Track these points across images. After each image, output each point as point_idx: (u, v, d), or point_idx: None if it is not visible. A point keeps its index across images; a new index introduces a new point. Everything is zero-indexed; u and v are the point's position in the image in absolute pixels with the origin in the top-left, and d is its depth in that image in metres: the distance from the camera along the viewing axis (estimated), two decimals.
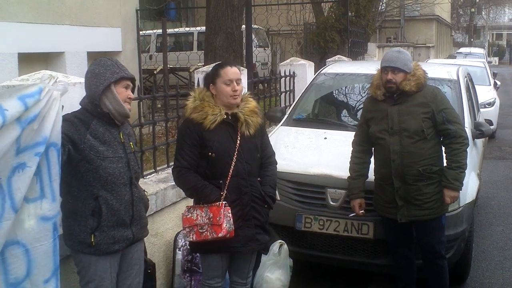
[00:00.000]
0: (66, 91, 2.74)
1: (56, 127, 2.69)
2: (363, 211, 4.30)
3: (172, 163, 3.75)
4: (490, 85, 13.03)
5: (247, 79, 7.09)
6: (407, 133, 4.01)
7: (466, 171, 4.10)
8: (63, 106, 2.77)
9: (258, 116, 3.66)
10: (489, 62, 24.56)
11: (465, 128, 5.04)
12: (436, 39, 31.50)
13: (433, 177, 4.03)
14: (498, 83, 14.38)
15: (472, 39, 48.97)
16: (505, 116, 13.94)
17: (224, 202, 3.43)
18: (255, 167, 3.63)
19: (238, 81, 3.58)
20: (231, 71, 3.56)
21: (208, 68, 5.04)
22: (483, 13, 56.56)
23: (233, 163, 3.50)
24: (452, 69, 6.35)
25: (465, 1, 48.66)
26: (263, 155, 3.71)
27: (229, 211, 3.43)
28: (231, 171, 3.49)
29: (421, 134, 4.00)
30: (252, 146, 3.60)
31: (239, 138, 3.54)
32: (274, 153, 3.86)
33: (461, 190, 4.09)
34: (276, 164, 3.86)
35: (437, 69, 6.69)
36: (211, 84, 3.57)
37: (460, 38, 49.53)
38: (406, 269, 4.35)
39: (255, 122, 3.61)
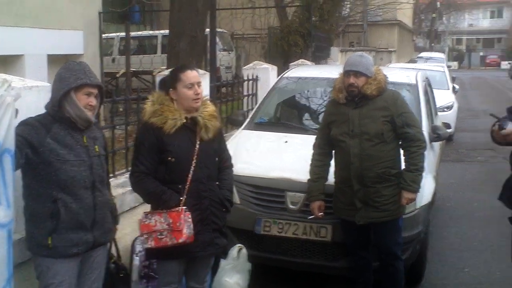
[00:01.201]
0: (19, 96, 2.72)
1: (9, 134, 2.65)
2: (322, 213, 4.35)
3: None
4: (449, 89, 13.30)
5: (210, 83, 7.11)
6: (367, 136, 4.08)
7: (423, 174, 4.20)
8: (17, 110, 2.74)
9: (216, 120, 3.66)
10: (449, 67, 25.07)
11: (423, 131, 5.16)
12: (398, 44, 32.00)
13: (391, 179, 4.11)
14: (457, 87, 14.69)
15: (433, 44, 49.90)
16: (463, 119, 14.25)
17: (184, 207, 3.42)
18: (214, 171, 3.64)
19: (199, 84, 3.58)
20: (192, 75, 3.56)
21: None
22: (444, 18, 57.70)
23: (193, 167, 3.49)
24: (411, 73, 6.48)
25: (427, 6, 49.52)
26: (220, 159, 3.73)
27: (189, 216, 3.41)
28: (190, 175, 3.48)
29: (380, 137, 4.07)
30: (211, 150, 3.61)
31: (198, 143, 3.53)
32: (230, 157, 3.88)
33: (418, 192, 4.18)
34: (233, 167, 3.88)
35: (397, 73, 6.82)
36: (170, 89, 3.55)
37: (421, 43, 50.33)
38: (363, 271, 4.42)
39: (214, 126, 3.62)
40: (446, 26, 59.57)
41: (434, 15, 48.23)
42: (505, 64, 52.72)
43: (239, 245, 4.36)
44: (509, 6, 68.17)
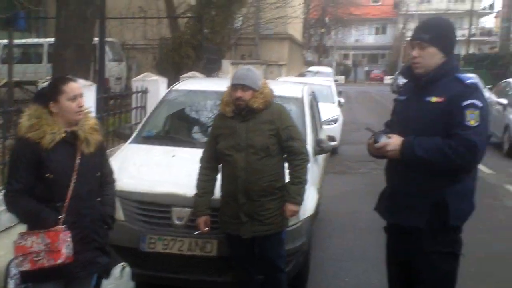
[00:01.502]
0: None
1: None
2: (208, 228, 4.36)
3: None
4: (334, 103, 13.80)
5: (97, 95, 6.94)
6: (253, 150, 4.14)
7: (306, 186, 4.33)
8: None
9: (98, 134, 3.55)
10: (336, 81, 26.00)
11: (307, 144, 5.33)
12: (289, 58, 32.83)
13: (276, 192, 4.19)
14: (342, 100, 15.28)
15: (321, 58, 51.78)
16: (348, 132, 14.80)
17: (63, 226, 3.28)
18: (95, 186, 3.53)
19: (81, 96, 3.46)
20: (75, 86, 3.43)
21: None
22: (332, 33, 60.08)
23: (72, 184, 3.35)
24: (297, 87, 6.68)
25: (316, 21, 51.32)
26: (102, 173, 3.62)
27: (69, 235, 3.28)
28: (70, 192, 3.35)
29: (266, 150, 4.14)
30: (92, 165, 3.50)
31: (78, 157, 3.41)
32: (112, 172, 3.78)
33: (301, 204, 4.28)
34: (114, 182, 3.79)
35: (285, 87, 7.00)
36: (51, 102, 3.38)
37: (310, 57, 52.05)
38: (249, 285, 4.48)
39: (95, 140, 3.50)
40: (334, 41, 62.02)
41: (322, 30, 50.09)
42: (388, 79, 55.66)
43: (122, 263, 4.26)
44: (392, 23, 72.16)
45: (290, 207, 4.17)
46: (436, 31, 3.36)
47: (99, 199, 3.56)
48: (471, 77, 3.35)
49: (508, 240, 6.82)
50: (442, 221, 3.29)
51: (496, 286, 5.46)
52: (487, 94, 16.17)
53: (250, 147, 4.14)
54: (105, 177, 3.67)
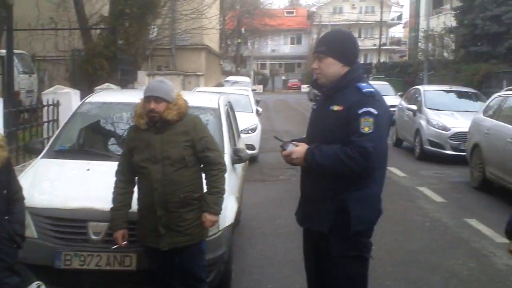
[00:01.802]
0: None
1: None
2: (126, 242, 4.26)
3: None
4: (253, 111, 13.92)
5: (4, 109, 6.67)
6: (169, 161, 4.08)
7: (225, 196, 4.31)
8: None
9: (3, 150, 3.43)
10: (254, 90, 26.32)
11: (225, 154, 5.33)
12: (206, 68, 32.86)
13: (194, 203, 4.15)
14: (260, 109, 15.43)
15: (239, 68, 52.21)
16: (267, 140, 14.88)
17: None
18: (2, 205, 3.40)
19: None
20: None
21: None
22: (249, 44, 60.77)
23: None
24: (214, 97, 6.67)
25: (232, 32, 51.73)
26: (9, 191, 3.49)
27: None
28: None
29: (182, 162, 4.10)
30: None
31: None
32: (21, 188, 3.66)
33: (220, 214, 4.27)
34: (24, 199, 3.66)
35: (201, 97, 7.00)
36: None
37: (228, 67, 52.37)
38: None
39: (1, 157, 3.39)
40: (251, 51, 62.75)
41: (239, 40, 50.54)
42: (305, 88, 56.86)
43: (37, 282, 4.08)
44: (306, 34, 73.92)
45: (208, 217, 4.14)
46: (332, 42, 3.52)
47: (6, 217, 3.43)
48: (370, 86, 3.44)
49: (422, 239, 7.10)
50: (345, 226, 3.38)
51: (413, 284, 5.65)
52: (397, 101, 16.88)
53: (166, 159, 4.09)
54: (13, 194, 3.55)
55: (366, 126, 3.26)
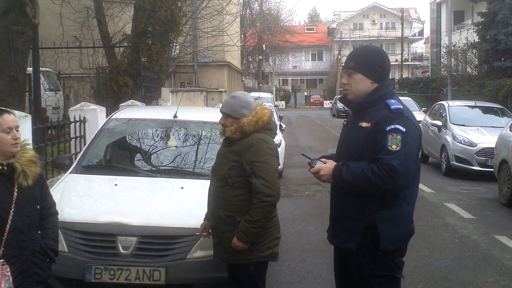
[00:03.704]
0: None
1: None
2: (206, 234, 4.25)
3: None
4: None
5: (33, 125, 6.74)
6: (217, 176, 4.04)
7: (259, 229, 3.89)
8: None
9: (36, 166, 3.49)
10: (276, 106, 26.37)
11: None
12: (228, 84, 33.06)
13: (235, 225, 3.94)
14: (284, 125, 15.42)
15: (261, 84, 52.36)
16: (291, 156, 14.92)
17: (1, 260, 3.20)
18: (35, 219, 3.44)
19: (17, 128, 3.41)
20: (10, 119, 3.38)
21: None
22: (270, 60, 60.99)
23: (11, 217, 3.28)
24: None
25: (253, 49, 51.99)
26: (43, 206, 3.53)
27: (8, 269, 3.20)
28: (8, 225, 3.27)
29: (226, 180, 3.96)
30: (31, 197, 3.42)
31: (16, 190, 3.33)
32: (54, 204, 3.69)
33: (247, 244, 3.91)
34: (57, 214, 3.70)
35: None
36: None
37: (250, 83, 52.61)
38: None
39: (34, 172, 3.44)
40: (272, 67, 62.95)
41: (260, 57, 50.72)
42: (327, 103, 56.78)
43: None
44: (327, 50, 74.03)
45: (234, 240, 3.91)
46: (361, 58, 3.49)
47: (40, 232, 3.47)
48: (399, 103, 3.38)
49: (451, 256, 6.97)
50: (373, 245, 3.33)
51: None
52: (422, 116, 16.73)
53: (216, 174, 4.07)
54: (47, 209, 3.59)
55: (394, 144, 3.22)
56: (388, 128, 3.25)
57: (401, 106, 3.36)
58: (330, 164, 3.43)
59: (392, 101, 3.39)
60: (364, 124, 3.38)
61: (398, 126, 3.24)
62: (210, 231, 4.19)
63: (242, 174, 3.91)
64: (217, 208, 4.01)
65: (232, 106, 4.01)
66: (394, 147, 3.21)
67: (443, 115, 14.38)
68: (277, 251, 4.12)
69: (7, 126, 3.34)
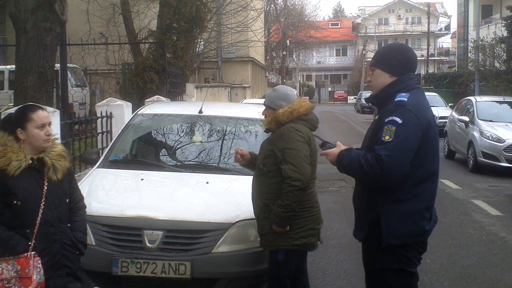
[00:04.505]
0: None
1: None
2: (241, 159, 4.52)
3: None
4: None
5: (61, 121, 6.84)
6: (256, 166, 4.26)
7: (290, 213, 3.97)
8: None
9: (65, 160, 3.55)
10: None
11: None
12: (252, 80, 33.06)
13: (270, 212, 4.06)
14: None
15: (284, 80, 52.19)
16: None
17: (33, 253, 3.27)
18: (65, 213, 3.51)
19: (50, 124, 3.50)
20: (43, 115, 3.46)
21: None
22: (294, 56, 60.79)
23: (41, 210, 3.35)
24: (262, 109, 6.68)
25: (277, 44, 51.87)
26: (71, 199, 3.60)
27: (39, 261, 3.27)
28: (39, 219, 3.34)
29: (261, 170, 4.15)
30: (61, 191, 3.49)
31: (46, 184, 3.40)
32: (83, 197, 3.76)
33: (283, 228, 4.03)
34: (85, 208, 3.77)
35: (250, 110, 7.03)
36: (18, 129, 3.40)
37: (274, 79, 52.49)
38: None
39: (63, 166, 3.50)
40: (296, 63, 62.73)
41: (284, 52, 50.59)
42: (351, 99, 56.44)
43: (96, 287, 4.18)
44: (352, 45, 73.53)
45: (273, 225, 4.06)
46: (380, 54, 3.62)
47: (69, 225, 3.54)
48: (405, 96, 3.37)
49: (479, 253, 6.90)
50: (376, 238, 3.35)
51: None
52: (448, 112, 16.51)
53: (256, 164, 4.29)
54: (75, 203, 3.65)
55: (387, 135, 3.27)
56: (386, 120, 3.31)
57: (405, 99, 3.36)
58: (337, 149, 3.53)
59: (403, 94, 3.40)
60: (377, 117, 3.51)
61: (395, 118, 3.29)
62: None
63: (276, 162, 4.06)
64: (257, 197, 4.21)
65: (271, 98, 4.24)
66: (386, 138, 3.27)
67: (470, 110, 14.19)
68: (312, 242, 4.23)
69: (41, 122, 3.41)
